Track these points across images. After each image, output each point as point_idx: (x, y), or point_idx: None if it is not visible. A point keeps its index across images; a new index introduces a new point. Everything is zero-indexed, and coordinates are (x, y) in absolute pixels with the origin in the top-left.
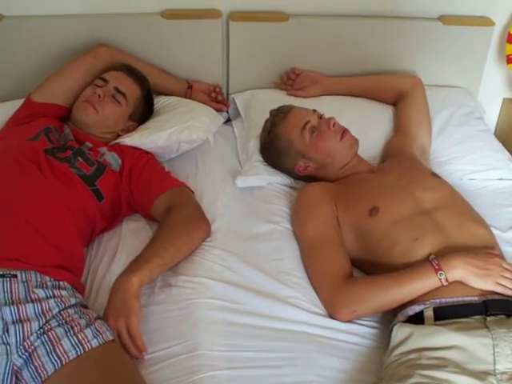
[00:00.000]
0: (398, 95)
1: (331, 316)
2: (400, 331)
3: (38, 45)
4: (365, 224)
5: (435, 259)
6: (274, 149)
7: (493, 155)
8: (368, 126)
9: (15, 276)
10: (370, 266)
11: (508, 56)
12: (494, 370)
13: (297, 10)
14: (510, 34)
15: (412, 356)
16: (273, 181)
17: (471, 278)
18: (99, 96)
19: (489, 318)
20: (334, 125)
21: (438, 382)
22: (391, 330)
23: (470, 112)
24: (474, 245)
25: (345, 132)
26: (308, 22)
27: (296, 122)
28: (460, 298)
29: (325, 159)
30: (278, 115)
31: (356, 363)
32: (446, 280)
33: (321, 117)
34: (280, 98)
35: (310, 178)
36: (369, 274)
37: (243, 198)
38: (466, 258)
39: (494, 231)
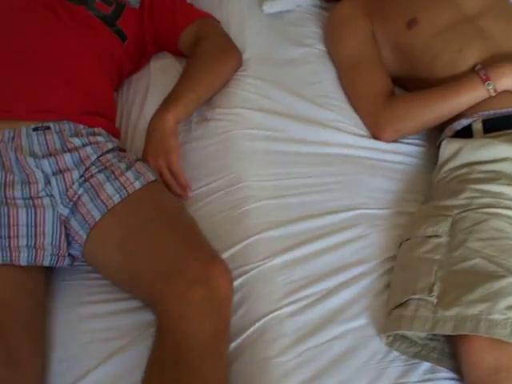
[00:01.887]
0: None
1: (375, 137)
2: (448, 147)
3: None
4: (403, 38)
5: (482, 69)
6: None
7: None
8: None
9: (48, 128)
10: (411, 83)
11: None
12: None
13: None
14: None
15: (463, 171)
16: (301, 2)
17: None
18: None
19: None
20: None
21: (490, 196)
22: (439, 147)
23: None
24: None
25: None
26: None
27: None
28: (510, 109)
29: None
30: None
31: (403, 183)
32: (495, 90)
33: None
34: None
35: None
36: (411, 91)
37: (272, 24)
38: None
39: None
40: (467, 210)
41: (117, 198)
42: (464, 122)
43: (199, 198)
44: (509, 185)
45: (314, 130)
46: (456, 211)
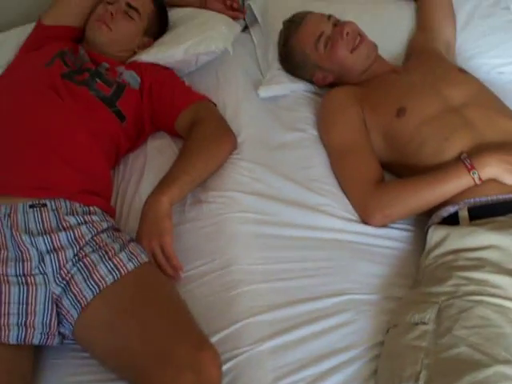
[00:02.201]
0: None
1: (365, 222)
2: (436, 233)
3: None
4: (393, 126)
5: (467, 158)
6: (290, 62)
7: None
8: (390, 23)
9: (45, 205)
10: (400, 169)
11: None
12: None
13: None
14: None
15: (449, 258)
16: (296, 88)
17: (505, 175)
18: (111, 14)
19: None
20: (347, 34)
21: (476, 283)
22: (426, 233)
23: (496, 2)
24: (507, 140)
25: (360, 42)
26: None
27: (309, 33)
28: (494, 197)
29: (341, 70)
30: (291, 27)
31: (392, 267)
32: (480, 179)
33: (336, 24)
34: (297, 1)
35: (331, 86)
36: (400, 177)
37: (267, 108)
38: (499, 155)
39: None
40: (453, 298)
41: (109, 279)
42: (451, 210)
43: (191, 280)
44: (493, 272)
45: (305, 214)
46: (443, 298)
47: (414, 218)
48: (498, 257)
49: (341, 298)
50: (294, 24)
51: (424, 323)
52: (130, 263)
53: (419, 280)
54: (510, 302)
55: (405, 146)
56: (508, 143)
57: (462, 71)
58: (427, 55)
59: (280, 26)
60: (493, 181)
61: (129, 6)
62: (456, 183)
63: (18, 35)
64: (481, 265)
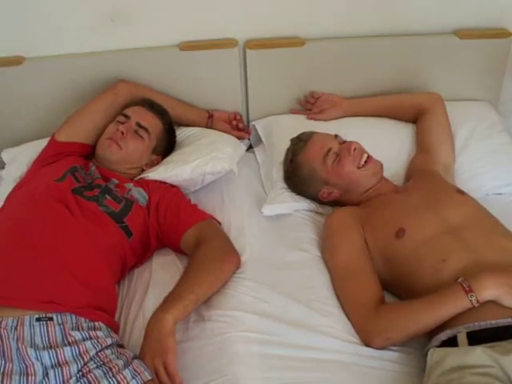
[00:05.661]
0: (418, 113)
1: (366, 343)
2: (435, 355)
3: (59, 84)
4: (392, 246)
5: (465, 280)
6: (297, 177)
7: None
8: (390, 145)
9: (51, 319)
10: (398, 289)
11: None
12: None
13: (312, 34)
14: None
15: (454, 375)
16: (299, 207)
17: (503, 298)
18: (122, 133)
19: None
20: (354, 150)
21: None
22: (426, 355)
23: (492, 125)
24: (504, 261)
25: (367, 161)
26: (324, 46)
27: (317, 149)
28: (493, 321)
29: (348, 185)
30: (299, 144)
31: None
32: (477, 301)
33: (343, 142)
34: (300, 123)
35: (335, 203)
36: (399, 297)
37: (271, 227)
38: (497, 278)
39: None
40: None
41: None
42: (449, 333)
43: None
44: None
45: (307, 335)
46: None
47: (413, 339)
48: (502, 375)
49: None
50: (301, 141)
51: None
52: (134, 380)
53: None
54: None
55: (403, 266)
56: (505, 263)
57: (461, 192)
58: (426, 176)
59: (283, 147)
60: (491, 302)
61: (139, 125)
62: (454, 306)
63: (31, 150)
64: (490, 381)
